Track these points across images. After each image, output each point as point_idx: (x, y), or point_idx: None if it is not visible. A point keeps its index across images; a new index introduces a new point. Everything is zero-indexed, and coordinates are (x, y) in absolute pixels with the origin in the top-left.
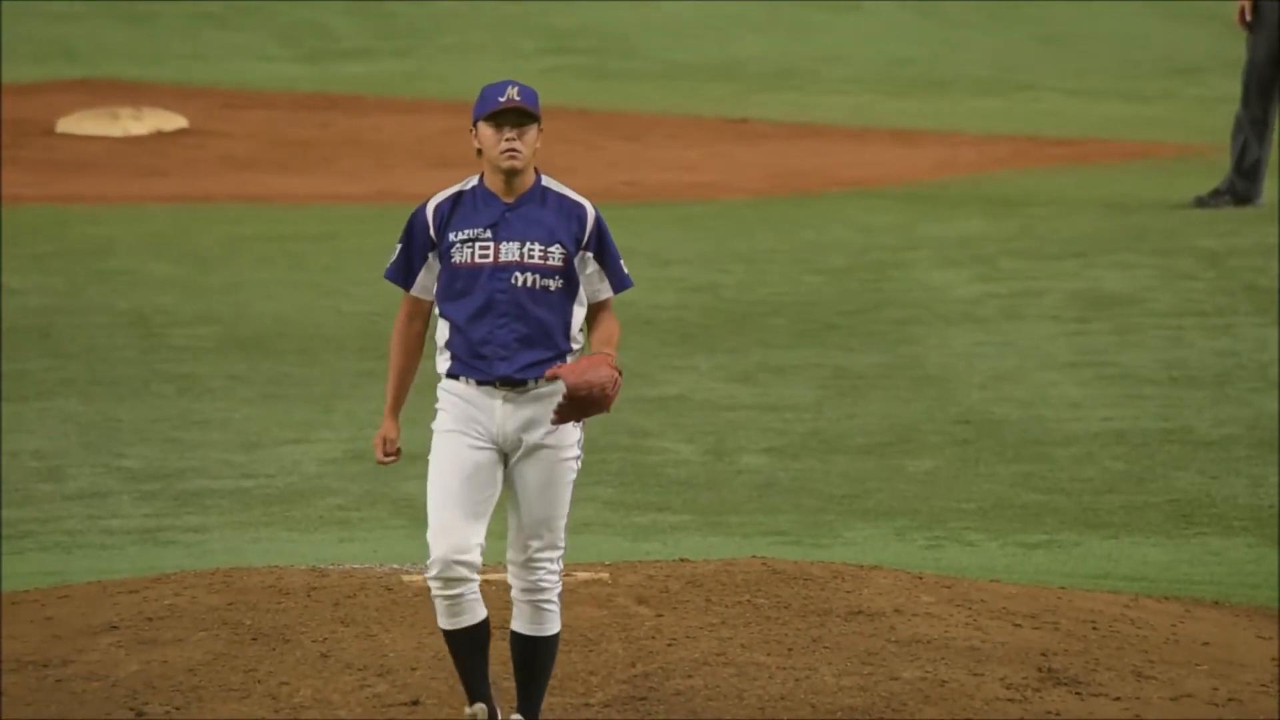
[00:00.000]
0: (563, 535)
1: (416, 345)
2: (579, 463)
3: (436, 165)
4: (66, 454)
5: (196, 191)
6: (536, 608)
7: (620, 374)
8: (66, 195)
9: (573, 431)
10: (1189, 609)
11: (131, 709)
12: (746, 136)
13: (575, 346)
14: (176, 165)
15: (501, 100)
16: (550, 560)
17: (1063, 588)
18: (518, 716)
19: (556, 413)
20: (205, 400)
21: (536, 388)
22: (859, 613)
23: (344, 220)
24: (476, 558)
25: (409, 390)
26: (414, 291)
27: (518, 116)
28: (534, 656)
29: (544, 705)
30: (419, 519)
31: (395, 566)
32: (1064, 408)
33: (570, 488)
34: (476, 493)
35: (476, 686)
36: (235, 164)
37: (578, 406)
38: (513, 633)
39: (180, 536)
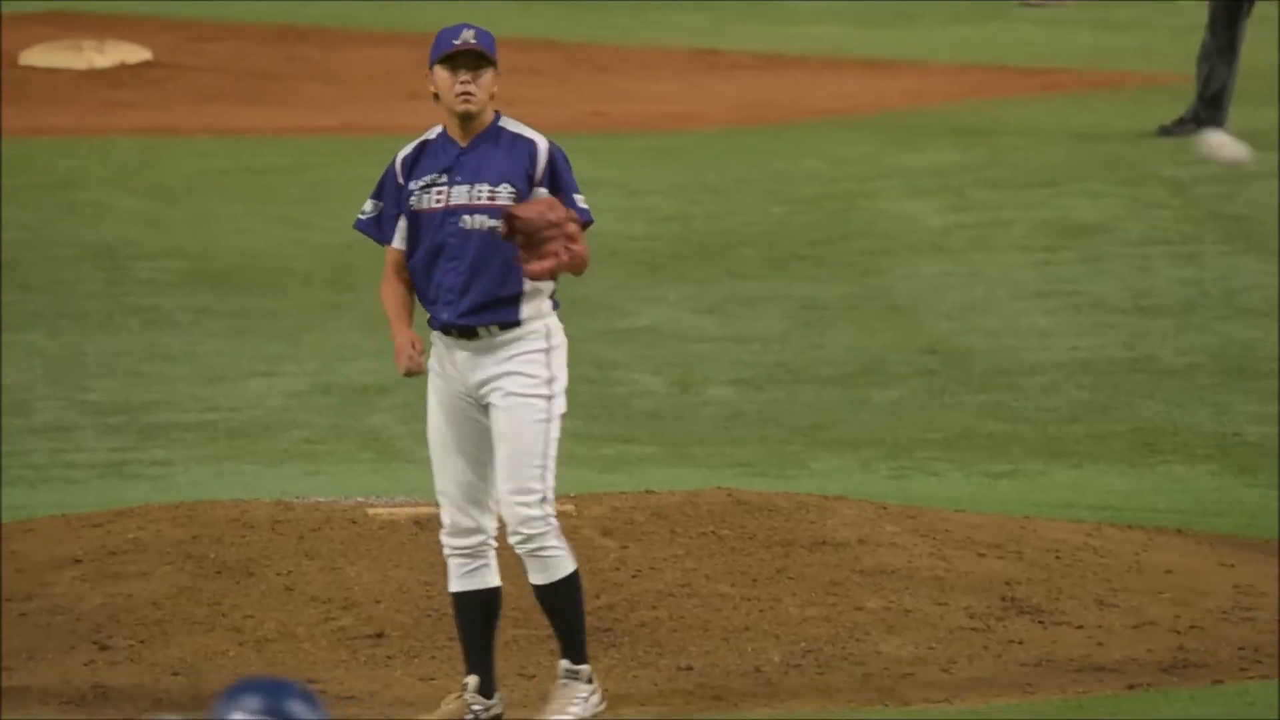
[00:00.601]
0: (537, 478)
1: (408, 284)
2: (550, 404)
3: (406, 97)
4: (32, 387)
5: (163, 124)
6: (534, 556)
7: (580, 226)
8: (32, 128)
9: (540, 370)
10: (1152, 537)
11: (95, 642)
12: (717, 67)
13: (535, 287)
14: (143, 98)
15: (456, 43)
16: (526, 505)
17: (1027, 517)
18: (565, 662)
19: (505, 229)
20: (171, 333)
21: (490, 336)
22: (823, 543)
23: (312, 153)
24: (478, 519)
25: (412, 313)
26: (395, 244)
27: (473, 59)
28: (554, 603)
29: (510, 636)
30: (384, 452)
31: (360, 500)
32: (1031, 337)
33: (540, 428)
34: (463, 444)
35: (473, 658)
36: (203, 96)
37: (527, 238)
38: (531, 586)
39: (145, 470)
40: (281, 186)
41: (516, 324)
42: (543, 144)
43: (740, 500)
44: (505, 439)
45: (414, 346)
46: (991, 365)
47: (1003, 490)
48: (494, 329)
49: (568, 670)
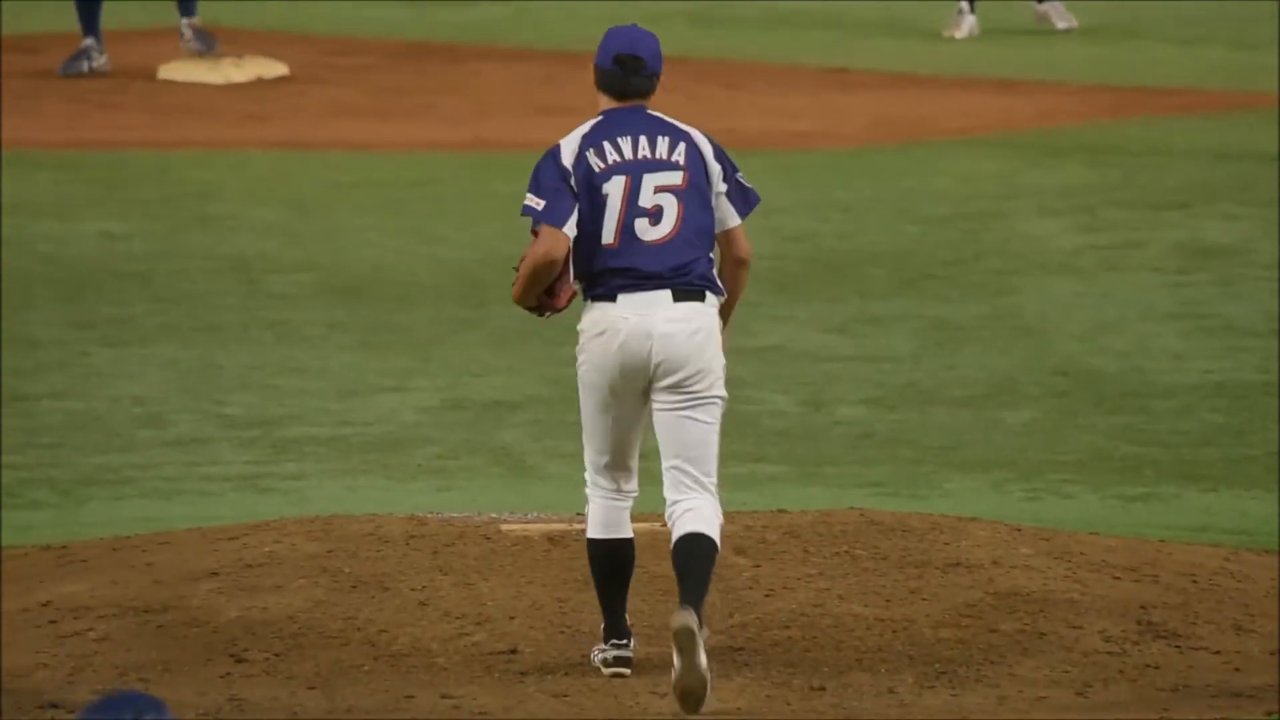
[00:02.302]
0: (586, 461)
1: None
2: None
3: (536, 113)
4: (167, 400)
5: (297, 138)
6: None
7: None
8: (169, 141)
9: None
10: None
11: (232, 655)
12: (847, 85)
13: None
14: (278, 112)
15: None
16: None
17: (1162, 540)
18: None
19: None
20: (303, 347)
21: None
22: (957, 564)
23: (443, 167)
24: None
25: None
26: None
27: None
28: None
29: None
30: (516, 468)
31: (494, 515)
32: (1164, 359)
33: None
34: None
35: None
36: (336, 111)
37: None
38: None
39: (279, 484)
40: (412, 200)
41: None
42: None
43: (873, 520)
44: None
45: None
46: (1123, 387)
47: (1136, 513)
48: None
49: None
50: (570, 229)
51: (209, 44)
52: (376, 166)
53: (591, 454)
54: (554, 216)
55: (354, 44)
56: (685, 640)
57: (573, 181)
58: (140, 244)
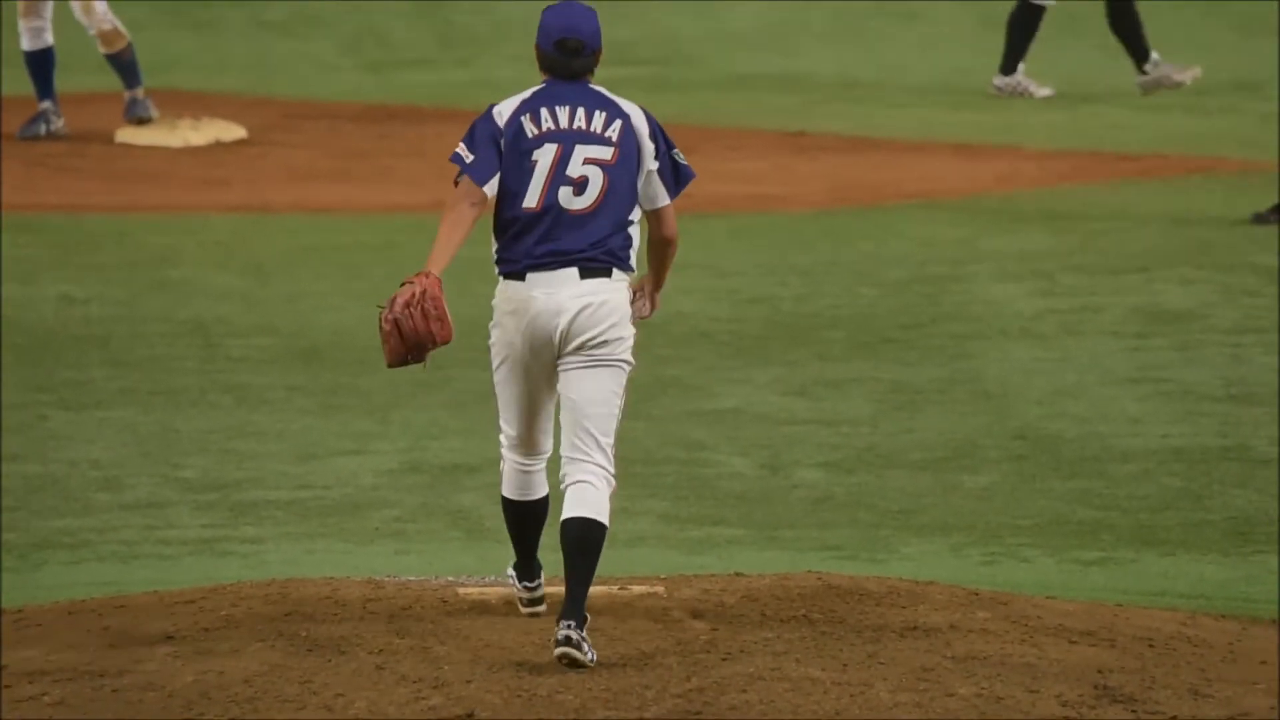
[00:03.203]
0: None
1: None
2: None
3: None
4: (125, 464)
5: (257, 202)
6: None
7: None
8: (127, 205)
9: None
10: (1246, 627)
11: (188, 719)
12: (806, 149)
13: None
14: (237, 175)
15: None
16: None
17: (1119, 605)
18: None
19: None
20: (263, 411)
21: None
22: (914, 629)
23: (404, 230)
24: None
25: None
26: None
27: None
28: None
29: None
30: (475, 531)
31: (451, 579)
32: (1122, 424)
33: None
34: None
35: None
36: (296, 174)
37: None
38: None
39: (237, 547)
40: (373, 264)
41: None
42: None
43: (831, 584)
44: None
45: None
46: (1082, 452)
47: (1094, 578)
48: None
49: None
50: (491, 189)
51: (145, 109)
52: (336, 230)
53: (504, 424)
54: (478, 173)
55: (314, 107)
56: (568, 665)
57: (502, 142)
58: (98, 308)
